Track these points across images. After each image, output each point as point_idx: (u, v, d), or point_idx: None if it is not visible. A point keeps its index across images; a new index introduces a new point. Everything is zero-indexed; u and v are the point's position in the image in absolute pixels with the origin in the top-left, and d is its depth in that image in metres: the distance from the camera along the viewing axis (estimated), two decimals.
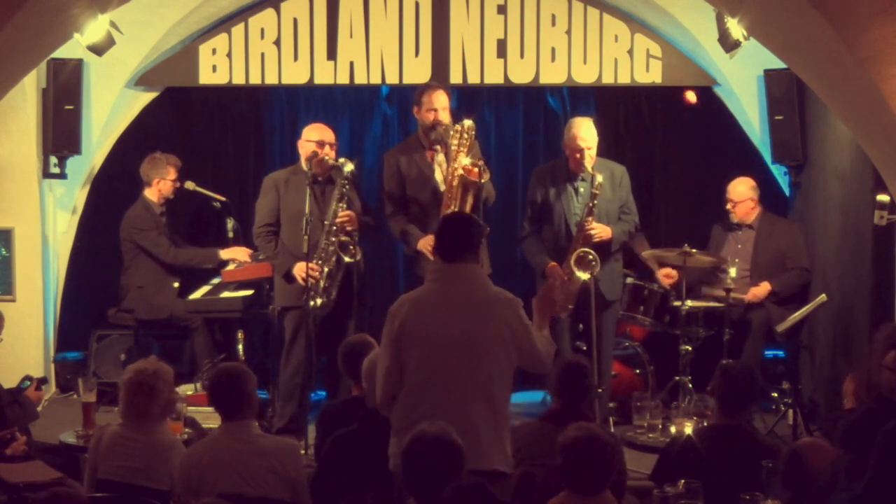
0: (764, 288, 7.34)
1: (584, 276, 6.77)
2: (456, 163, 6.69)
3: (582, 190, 6.98)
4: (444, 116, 6.88)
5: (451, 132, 6.76)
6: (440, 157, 6.88)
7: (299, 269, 6.79)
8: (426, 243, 6.75)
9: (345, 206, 6.82)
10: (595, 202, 6.80)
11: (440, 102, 6.91)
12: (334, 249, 6.79)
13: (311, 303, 6.70)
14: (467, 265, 4.74)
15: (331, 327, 6.91)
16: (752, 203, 7.59)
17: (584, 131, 6.87)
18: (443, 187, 6.84)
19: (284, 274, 6.94)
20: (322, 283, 6.77)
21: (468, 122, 6.79)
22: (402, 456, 4.09)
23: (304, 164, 6.94)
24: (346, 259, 6.80)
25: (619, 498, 4.54)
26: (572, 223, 6.95)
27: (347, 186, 6.80)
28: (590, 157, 6.84)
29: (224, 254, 7.70)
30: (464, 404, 4.57)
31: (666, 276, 7.46)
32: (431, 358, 4.61)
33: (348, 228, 6.83)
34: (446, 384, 4.59)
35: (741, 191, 7.60)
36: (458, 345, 4.61)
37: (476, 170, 6.64)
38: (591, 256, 6.77)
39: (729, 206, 7.60)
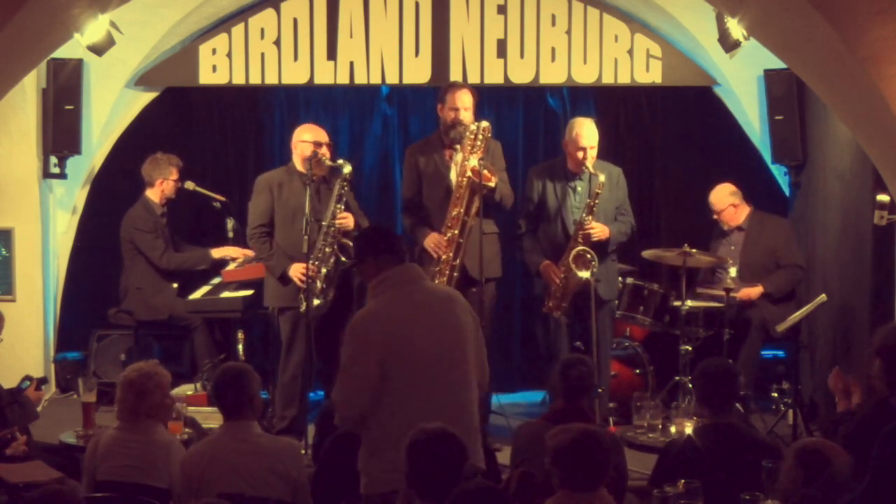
0: (756, 290, 7.33)
1: (584, 274, 6.77)
2: (467, 164, 6.68)
3: (580, 189, 6.99)
4: (465, 116, 6.85)
5: (467, 133, 6.75)
6: (458, 156, 6.84)
7: (296, 270, 6.75)
8: (432, 241, 6.76)
9: (342, 207, 6.79)
10: (597, 201, 6.81)
11: (462, 102, 6.87)
12: (332, 251, 6.77)
13: (304, 305, 6.65)
14: (411, 265, 4.73)
15: (329, 328, 6.90)
16: (734, 208, 7.61)
17: (587, 131, 6.89)
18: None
19: (279, 276, 6.89)
20: (319, 285, 6.73)
21: (484, 124, 6.76)
22: (406, 450, 4.03)
23: (298, 165, 6.90)
24: (345, 261, 6.76)
25: (620, 499, 4.54)
26: (569, 222, 6.96)
27: (346, 188, 6.78)
28: (591, 157, 6.85)
29: (216, 253, 7.70)
30: (456, 403, 4.52)
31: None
32: (418, 363, 4.48)
33: (347, 229, 6.82)
34: (438, 386, 4.50)
35: (720, 197, 7.63)
36: (440, 343, 4.54)
37: (485, 172, 6.64)
38: (589, 255, 6.78)
39: (715, 217, 7.64)
